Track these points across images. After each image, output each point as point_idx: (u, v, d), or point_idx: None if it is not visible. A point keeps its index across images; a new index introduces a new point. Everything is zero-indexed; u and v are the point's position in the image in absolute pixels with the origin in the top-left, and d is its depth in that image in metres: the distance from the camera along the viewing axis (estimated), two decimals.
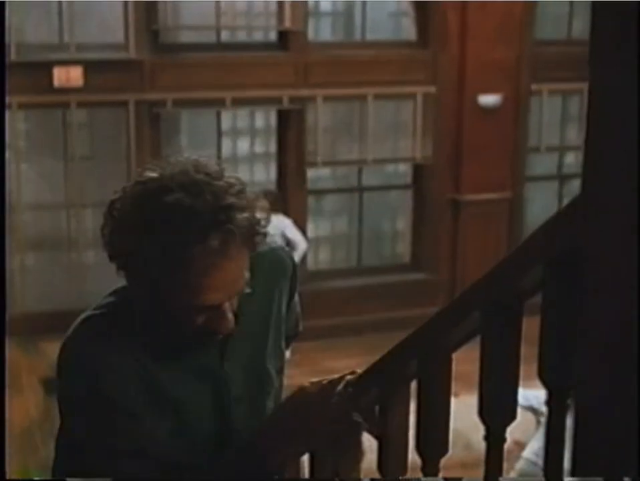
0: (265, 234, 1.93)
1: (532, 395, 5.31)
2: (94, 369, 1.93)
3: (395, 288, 10.90)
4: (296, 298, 2.37)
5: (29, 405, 2.06)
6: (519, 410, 1.77)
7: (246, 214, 1.83)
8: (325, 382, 2.04)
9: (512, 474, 5.51)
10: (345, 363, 8.42)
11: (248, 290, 1.98)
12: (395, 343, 2.01)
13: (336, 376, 2.05)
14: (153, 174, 1.85)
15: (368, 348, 8.44)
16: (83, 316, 2.01)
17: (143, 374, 1.97)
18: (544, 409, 1.93)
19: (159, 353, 1.99)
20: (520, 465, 5.57)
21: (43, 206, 10.01)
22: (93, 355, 1.94)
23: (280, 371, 2.27)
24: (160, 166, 1.89)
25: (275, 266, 2.23)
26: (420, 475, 1.98)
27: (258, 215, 1.88)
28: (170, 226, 1.77)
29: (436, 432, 1.95)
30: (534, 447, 5.37)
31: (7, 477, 1.95)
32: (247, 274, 1.91)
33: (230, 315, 1.92)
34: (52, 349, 2.24)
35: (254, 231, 1.87)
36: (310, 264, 10.91)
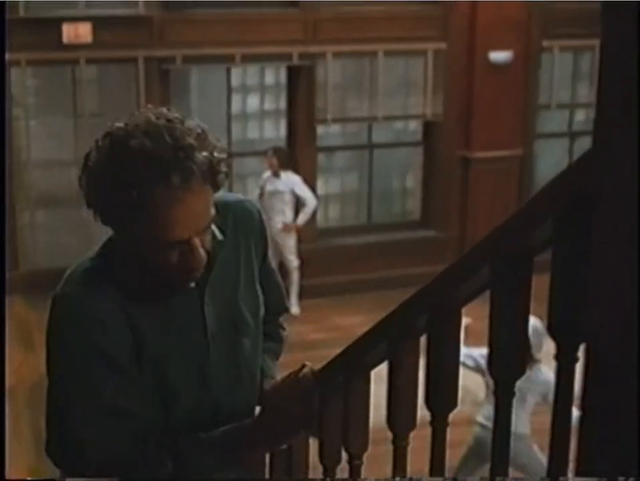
0: (226, 174, 2.05)
1: (478, 353, 5.21)
2: (83, 321, 2.06)
3: (404, 246, 10.91)
4: (275, 274, 2.53)
5: (41, 360, 2.12)
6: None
7: (205, 153, 1.97)
8: (286, 378, 2.25)
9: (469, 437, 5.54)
10: (354, 319, 8.50)
11: (220, 237, 2.16)
12: (399, 301, 2.02)
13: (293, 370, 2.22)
14: (120, 124, 2.00)
15: (377, 305, 8.46)
16: (71, 269, 2.14)
17: (129, 324, 2.09)
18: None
19: (142, 300, 2.13)
20: (474, 429, 5.55)
21: (52, 163, 10.01)
22: (82, 307, 2.07)
23: (255, 315, 2.35)
24: (127, 118, 2.02)
25: (243, 214, 2.35)
26: (429, 429, 2.01)
27: (217, 155, 2.00)
28: (135, 168, 1.92)
29: (445, 387, 1.96)
30: (485, 412, 5.33)
31: (7, 477, 1.97)
32: (212, 211, 2.04)
33: (201, 251, 2.03)
34: None
35: (214, 170, 1.99)
36: (320, 221, 10.92)
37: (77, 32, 9.40)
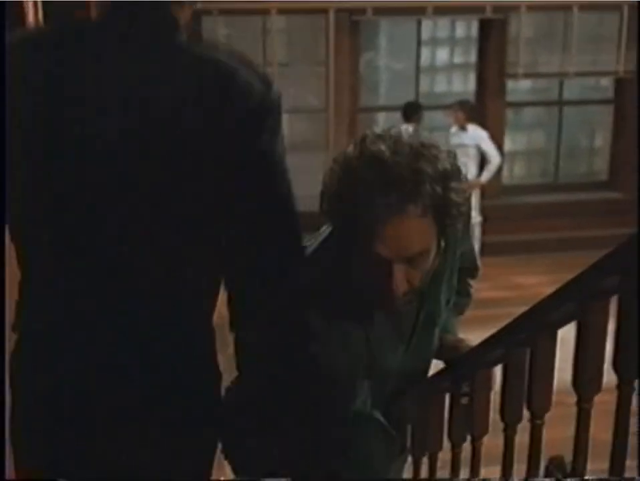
0: (456, 218, 1.98)
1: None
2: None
3: (590, 207, 10.65)
4: (472, 241, 2.48)
5: (221, 300, 2.16)
6: None
7: (439, 189, 1.90)
8: None
9: None
10: (534, 279, 8.38)
11: (442, 244, 2.08)
12: (583, 263, 1.97)
13: None
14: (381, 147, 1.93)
15: (558, 266, 8.32)
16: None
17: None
18: None
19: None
20: None
21: None
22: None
23: (449, 301, 2.38)
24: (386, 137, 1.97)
25: None
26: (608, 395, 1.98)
27: (454, 197, 1.93)
28: (372, 177, 1.90)
29: (635, 351, 1.92)
30: None
31: (7, 477, 2.02)
32: (430, 247, 1.99)
33: (401, 281, 1.97)
34: None
35: (443, 208, 1.93)
36: (504, 178, 10.78)
37: None
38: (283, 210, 1.86)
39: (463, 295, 2.64)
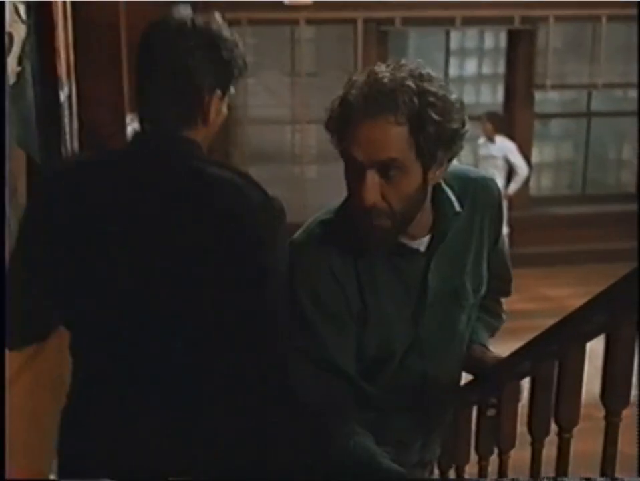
0: (435, 143, 2.03)
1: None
2: (311, 268, 2.16)
3: (618, 218, 10.58)
4: (505, 246, 2.51)
5: None
6: None
7: (416, 100, 1.99)
8: None
9: None
10: (564, 291, 8.33)
11: (458, 209, 2.19)
12: (612, 275, 1.97)
13: None
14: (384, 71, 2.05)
15: (588, 278, 8.27)
16: (312, 218, 2.25)
17: (357, 278, 2.17)
18: None
19: (370, 257, 2.18)
20: None
21: (268, 120, 10.20)
22: (312, 256, 2.17)
23: (477, 292, 2.36)
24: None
25: (483, 191, 2.34)
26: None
27: (435, 116, 2.01)
28: (361, 88, 2.03)
29: (621, 384, 1.94)
30: None
31: (7, 477, 2.05)
32: (409, 172, 2.03)
33: (370, 190, 2.03)
34: None
35: (421, 124, 2.00)
36: (532, 189, 10.74)
37: None
38: (267, 324, 2.10)
39: (494, 317, 2.63)
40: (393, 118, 1.99)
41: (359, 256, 2.17)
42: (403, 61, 2.07)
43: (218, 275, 2.06)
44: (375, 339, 2.23)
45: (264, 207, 2.12)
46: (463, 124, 2.09)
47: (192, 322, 2.08)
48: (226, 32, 2.20)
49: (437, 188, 2.21)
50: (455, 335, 2.37)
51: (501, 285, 2.60)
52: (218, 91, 2.18)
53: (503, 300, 2.67)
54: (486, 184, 2.37)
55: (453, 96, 2.08)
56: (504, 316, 2.67)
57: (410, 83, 2.00)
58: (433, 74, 2.07)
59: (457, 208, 2.22)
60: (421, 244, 2.22)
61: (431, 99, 2.01)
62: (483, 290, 2.40)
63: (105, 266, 2.10)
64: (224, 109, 2.24)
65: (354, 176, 2.06)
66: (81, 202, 2.11)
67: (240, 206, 2.09)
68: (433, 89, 2.02)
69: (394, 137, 2.00)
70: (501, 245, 2.49)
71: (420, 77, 2.03)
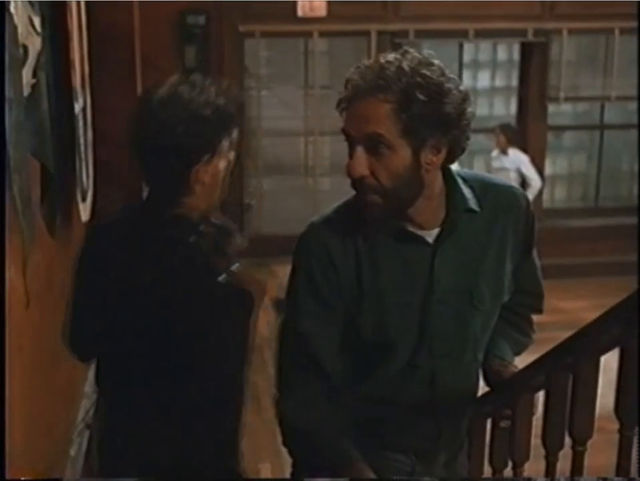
0: (421, 123, 2.09)
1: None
2: (312, 248, 2.28)
3: (631, 231, 10.55)
4: (537, 262, 2.51)
5: (262, 322, 2.27)
6: None
7: (404, 80, 2.08)
8: None
9: None
10: (577, 304, 8.31)
11: (475, 208, 2.26)
12: (626, 288, 1.96)
13: None
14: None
15: (598, 291, 8.25)
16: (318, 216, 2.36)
17: (356, 260, 2.25)
18: None
19: (376, 242, 2.26)
20: None
21: (281, 132, 10.21)
22: (316, 234, 2.30)
23: (496, 297, 2.37)
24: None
25: (508, 201, 2.37)
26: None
27: (421, 96, 2.08)
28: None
29: (634, 397, 1.93)
30: None
31: (7, 477, 2.06)
32: (395, 149, 2.12)
33: (358, 160, 2.15)
34: (283, 272, 2.42)
35: (407, 103, 2.08)
36: (545, 201, 10.72)
37: (312, 5, 9.54)
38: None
39: (522, 333, 2.62)
40: (382, 96, 2.09)
41: (360, 240, 2.25)
42: (410, 50, 2.16)
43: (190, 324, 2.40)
44: (371, 323, 2.28)
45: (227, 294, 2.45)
46: (461, 113, 2.13)
47: (175, 353, 2.41)
48: (205, 96, 2.33)
49: (450, 182, 2.27)
50: (469, 338, 2.36)
51: (531, 301, 2.60)
52: (207, 155, 2.38)
53: (534, 317, 2.66)
54: (512, 192, 2.40)
55: (460, 87, 2.15)
56: (532, 336, 2.66)
57: (404, 65, 2.10)
58: (436, 62, 2.15)
59: (472, 205, 2.26)
60: (430, 235, 2.27)
61: (420, 80, 2.09)
62: (504, 298, 2.39)
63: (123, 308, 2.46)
64: (221, 165, 2.44)
65: (349, 151, 2.17)
66: (106, 254, 2.49)
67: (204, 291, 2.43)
68: (427, 72, 2.10)
69: (381, 113, 2.10)
70: (532, 260, 2.49)
71: (419, 62, 2.12)
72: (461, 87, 2.15)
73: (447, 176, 2.28)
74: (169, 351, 2.40)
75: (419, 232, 2.26)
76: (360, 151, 2.14)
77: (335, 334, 2.29)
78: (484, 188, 2.33)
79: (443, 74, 2.12)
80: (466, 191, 2.27)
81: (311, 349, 2.28)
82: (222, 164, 2.44)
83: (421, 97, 2.07)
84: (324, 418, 2.31)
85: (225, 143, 2.42)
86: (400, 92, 2.08)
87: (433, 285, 2.28)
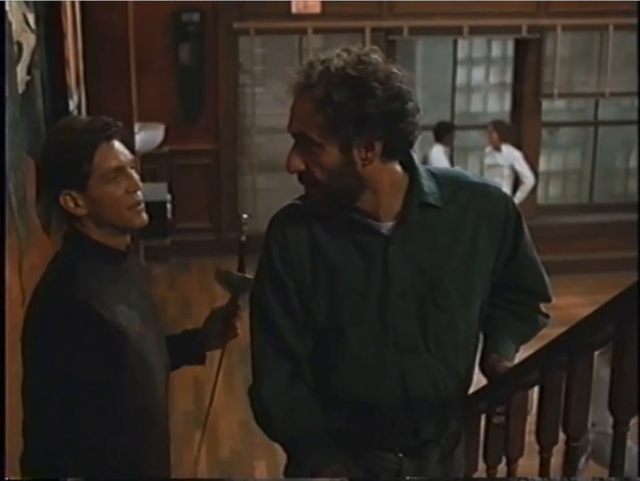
0: (340, 123, 2.16)
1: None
2: (272, 238, 2.38)
3: (625, 227, 10.57)
4: (534, 257, 2.52)
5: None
6: None
7: (327, 87, 2.14)
8: None
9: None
10: (571, 300, 8.31)
11: (427, 200, 2.29)
12: (619, 284, 1.97)
13: None
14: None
15: (592, 287, 8.24)
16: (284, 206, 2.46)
17: (311, 246, 2.34)
18: None
19: (332, 231, 2.34)
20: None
21: (276, 130, 10.21)
22: (276, 224, 2.40)
23: (465, 295, 2.37)
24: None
25: (483, 200, 2.38)
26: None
27: (339, 97, 2.13)
28: None
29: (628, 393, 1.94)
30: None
31: (7, 477, 2.07)
32: (325, 148, 2.18)
33: (292, 154, 2.25)
34: None
35: (327, 105, 2.14)
36: (540, 198, 10.73)
37: (307, 2, 9.54)
38: None
39: (527, 323, 2.62)
40: (307, 96, 2.18)
41: (317, 228, 2.34)
42: (353, 48, 2.22)
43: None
44: (324, 309, 2.35)
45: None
46: (387, 112, 2.16)
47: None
48: (70, 135, 2.39)
49: (411, 178, 2.31)
50: (429, 334, 2.36)
51: (530, 295, 2.60)
52: (64, 190, 2.39)
53: (542, 305, 2.66)
54: (487, 192, 2.39)
55: (395, 85, 2.19)
56: (544, 320, 2.65)
57: (331, 65, 2.17)
58: (374, 60, 2.20)
59: (429, 200, 2.29)
60: (385, 227, 2.31)
61: (339, 80, 2.14)
62: (476, 297, 2.40)
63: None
64: (79, 201, 2.41)
65: None
66: None
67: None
68: (351, 72, 2.15)
69: (303, 113, 2.20)
70: (526, 257, 2.49)
71: (349, 62, 2.17)
72: (396, 85, 2.19)
73: (409, 170, 2.31)
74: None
75: (376, 225, 2.30)
76: (294, 147, 2.24)
77: (294, 312, 2.38)
78: (457, 185, 2.35)
79: (373, 73, 2.16)
80: (428, 186, 2.31)
81: (275, 326, 2.38)
82: (83, 201, 2.42)
83: (336, 97, 2.13)
84: (298, 399, 2.41)
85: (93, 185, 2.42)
86: (321, 92, 2.15)
87: (389, 277, 2.31)
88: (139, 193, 2.46)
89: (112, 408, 2.42)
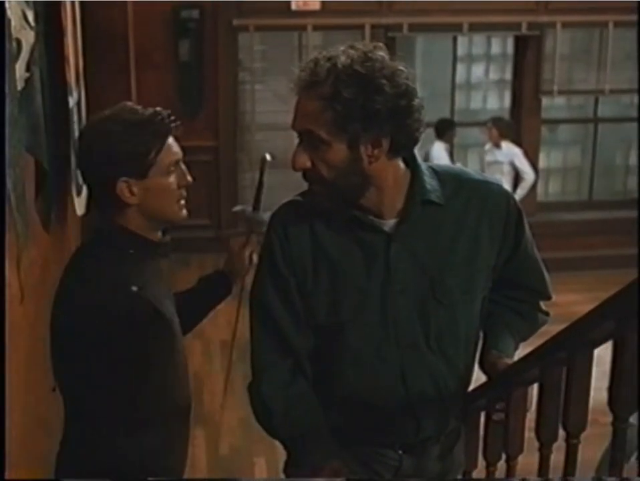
0: (347, 120, 2.14)
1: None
2: (272, 233, 2.39)
3: (625, 225, 10.57)
4: (535, 254, 2.54)
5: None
6: None
7: (334, 83, 2.13)
8: None
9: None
10: (571, 297, 8.31)
11: (430, 197, 2.29)
12: (619, 281, 1.97)
13: None
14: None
15: (592, 284, 8.23)
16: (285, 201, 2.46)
17: (312, 241, 2.34)
18: None
19: (335, 228, 2.34)
20: None
21: (276, 127, 10.20)
22: (277, 220, 2.42)
23: (467, 292, 2.38)
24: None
25: (483, 197, 2.38)
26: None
27: (347, 94, 2.12)
28: None
29: (628, 390, 1.94)
30: None
31: (7, 477, 2.08)
32: (333, 147, 2.19)
33: (297, 152, 2.28)
34: None
35: (335, 101, 2.13)
36: (539, 195, 10.73)
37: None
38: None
39: (527, 320, 2.62)
40: (314, 93, 2.17)
41: (318, 224, 2.34)
42: (359, 45, 2.22)
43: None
44: (325, 305, 2.35)
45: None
46: (394, 108, 2.16)
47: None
48: (118, 126, 2.39)
49: (413, 174, 2.31)
50: (431, 330, 2.37)
51: (531, 292, 2.60)
52: (123, 178, 2.38)
53: (542, 303, 2.67)
54: (488, 188, 2.39)
55: (401, 82, 2.18)
56: (544, 317, 2.66)
57: (338, 62, 2.15)
58: (381, 57, 2.19)
59: (432, 197, 2.30)
60: (388, 224, 2.31)
61: (347, 77, 2.13)
62: (478, 294, 2.40)
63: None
64: (135, 189, 2.41)
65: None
66: None
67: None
68: (359, 69, 2.13)
69: (312, 110, 2.18)
70: (527, 254, 2.50)
71: (356, 58, 2.16)
72: (403, 82, 2.19)
73: (411, 167, 2.31)
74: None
75: (376, 221, 2.30)
76: (300, 145, 2.25)
77: (295, 308, 2.38)
78: (458, 183, 2.36)
79: (380, 70, 2.15)
80: (430, 183, 2.31)
81: (275, 322, 2.38)
82: (138, 189, 2.42)
83: (345, 94, 2.12)
84: (298, 396, 2.41)
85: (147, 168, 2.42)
86: (329, 89, 2.14)
87: (391, 274, 2.31)
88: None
89: (158, 402, 2.46)
